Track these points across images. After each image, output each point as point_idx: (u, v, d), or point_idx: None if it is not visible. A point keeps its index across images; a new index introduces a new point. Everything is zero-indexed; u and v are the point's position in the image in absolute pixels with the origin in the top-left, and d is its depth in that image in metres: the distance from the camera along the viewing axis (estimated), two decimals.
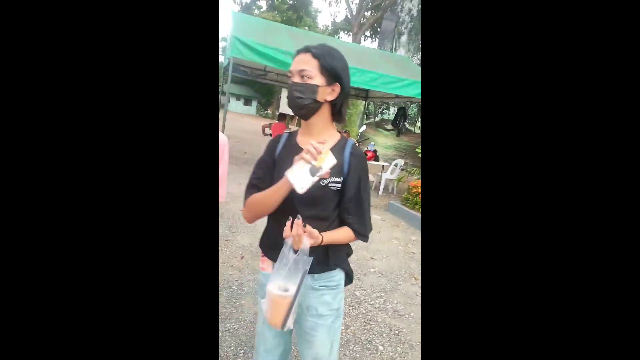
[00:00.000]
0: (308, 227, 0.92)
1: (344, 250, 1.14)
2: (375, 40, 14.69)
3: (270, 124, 7.11)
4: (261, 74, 7.43)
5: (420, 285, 3.12)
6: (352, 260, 1.68)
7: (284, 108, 6.92)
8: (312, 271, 0.95)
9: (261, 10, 26.07)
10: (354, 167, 1.05)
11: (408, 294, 2.96)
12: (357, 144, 1.11)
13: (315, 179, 0.91)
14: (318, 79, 0.99)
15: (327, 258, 1.06)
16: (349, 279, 1.16)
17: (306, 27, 26.03)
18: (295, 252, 0.91)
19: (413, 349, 2.25)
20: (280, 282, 0.89)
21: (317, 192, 0.99)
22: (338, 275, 1.11)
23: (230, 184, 5.75)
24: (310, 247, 0.92)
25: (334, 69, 1.01)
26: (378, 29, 13.47)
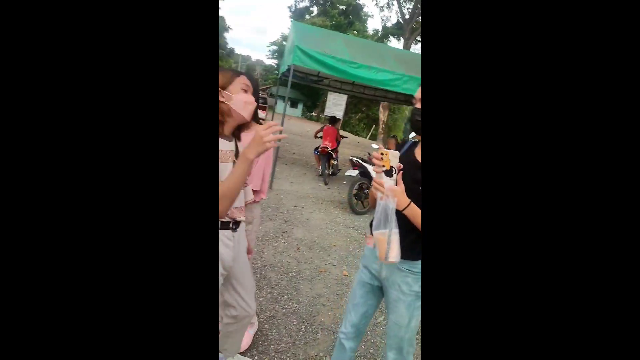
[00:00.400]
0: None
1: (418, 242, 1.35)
2: None
3: (322, 128, 7.41)
4: (315, 80, 7.78)
5: None
6: None
7: (329, 111, 7.18)
8: (402, 256, 1.21)
9: (312, 15, 26.69)
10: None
11: None
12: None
13: (394, 177, 1.16)
14: None
15: (414, 249, 1.28)
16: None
17: (355, 32, 26.27)
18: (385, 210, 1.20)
19: None
20: (380, 229, 1.19)
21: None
22: (420, 265, 1.32)
23: (283, 182, 6.11)
24: (402, 237, 1.18)
25: None
26: None
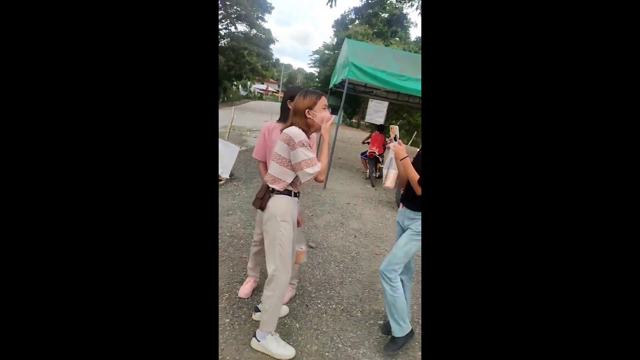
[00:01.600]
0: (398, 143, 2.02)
1: None
2: None
3: (369, 135, 7.97)
4: (362, 90, 8.37)
5: None
6: None
7: (370, 117, 7.58)
8: (410, 207, 2.05)
9: (355, 23, 27.40)
10: None
11: None
12: None
13: (396, 141, 1.97)
14: None
15: (415, 204, 2.02)
16: None
17: (397, 39, 26.62)
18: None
19: None
20: (387, 169, 2.10)
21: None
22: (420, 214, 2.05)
23: (334, 183, 6.72)
24: (406, 193, 1.97)
25: None
26: None
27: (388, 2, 18.29)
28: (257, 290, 2.49)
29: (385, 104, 8.47)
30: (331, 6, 15.71)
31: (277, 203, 1.81)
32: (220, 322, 2.10)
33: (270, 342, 1.89)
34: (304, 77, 63.26)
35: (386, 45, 21.83)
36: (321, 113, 1.81)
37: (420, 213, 2.01)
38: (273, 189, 1.81)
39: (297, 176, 1.79)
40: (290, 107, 2.22)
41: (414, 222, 2.04)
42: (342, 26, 30.02)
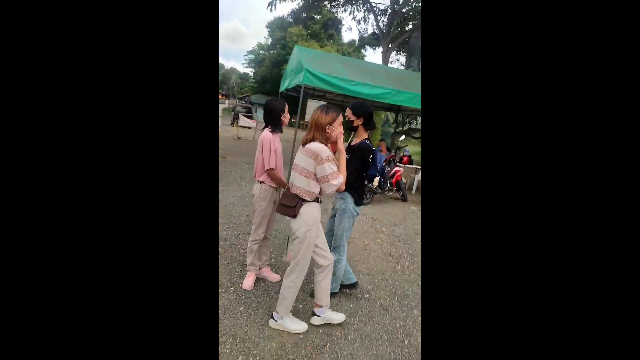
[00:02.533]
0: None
1: (354, 189, 2.44)
2: (403, 55, 15.96)
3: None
4: (311, 94, 8.82)
5: None
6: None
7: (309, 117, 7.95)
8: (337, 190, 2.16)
9: (292, 26, 27.79)
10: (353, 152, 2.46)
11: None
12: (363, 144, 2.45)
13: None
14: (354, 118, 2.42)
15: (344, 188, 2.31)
16: (357, 201, 2.49)
17: (331, 40, 27.64)
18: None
19: None
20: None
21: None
22: (347, 196, 2.47)
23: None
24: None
25: (357, 113, 2.42)
26: (406, 45, 14.85)
27: (323, 5, 19.02)
28: (258, 282, 2.77)
29: (323, 103, 8.94)
30: (271, 10, 15.81)
31: (309, 211, 2.05)
32: (236, 311, 2.36)
33: (286, 321, 2.22)
34: (239, 77, 61.50)
35: (321, 47, 22.65)
36: (338, 129, 2.02)
37: (345, 193, 2.44)
38: (304, 199, 2.04)
39: (321, 187, 2.03)
40: (283, 119, 2.54)
41: (338, 201, 2.52)
42: (278, 27, 30.17)
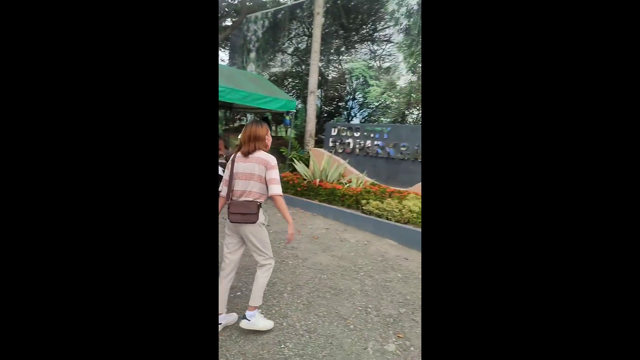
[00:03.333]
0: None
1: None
2: (225, 52, 15.76)
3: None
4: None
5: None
6: None
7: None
8: None
9: None
10: None
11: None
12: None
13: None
14: None
15: None
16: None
17: None
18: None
19: None
20: None
21: None
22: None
23: None
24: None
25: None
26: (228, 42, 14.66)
27: None
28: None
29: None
30: None
31: (262, 212, 2.31)
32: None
33: (258, 318, 2.39)
34: None
35: None
36: (269, 138, 2.37)
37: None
38: (260, 202, 2.26)
39: (271, 187, 2.25)
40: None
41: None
42: None
